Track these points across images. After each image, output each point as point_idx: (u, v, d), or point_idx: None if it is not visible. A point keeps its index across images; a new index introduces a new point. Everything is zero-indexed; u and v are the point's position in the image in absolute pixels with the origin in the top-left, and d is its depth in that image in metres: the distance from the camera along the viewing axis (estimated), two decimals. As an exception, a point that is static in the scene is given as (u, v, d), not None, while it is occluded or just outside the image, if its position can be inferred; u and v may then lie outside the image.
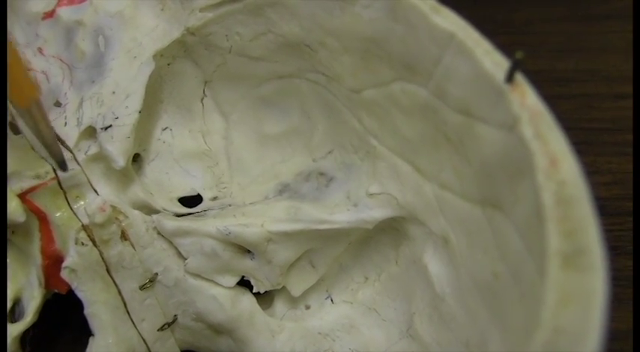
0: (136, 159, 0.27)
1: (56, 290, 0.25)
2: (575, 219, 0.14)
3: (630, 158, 0.33)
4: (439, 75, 0.19)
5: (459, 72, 0.18)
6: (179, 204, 0.27)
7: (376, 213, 0.23)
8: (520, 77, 0.16)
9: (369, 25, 0.20)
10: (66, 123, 0.25)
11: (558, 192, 0.14)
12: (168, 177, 0.27)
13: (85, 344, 0.25)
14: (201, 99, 0.27)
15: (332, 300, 0.26)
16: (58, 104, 0.26)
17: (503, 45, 0.18)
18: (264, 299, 0.26)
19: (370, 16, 0.20)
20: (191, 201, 0.27)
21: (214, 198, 0.27)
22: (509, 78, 0.16)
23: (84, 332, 0.25)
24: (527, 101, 0.16)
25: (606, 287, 0.13)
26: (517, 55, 0.16)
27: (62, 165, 0.24)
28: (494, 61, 0.17)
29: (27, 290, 0.25)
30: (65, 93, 0.26)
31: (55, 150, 0.23)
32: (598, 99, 0.36)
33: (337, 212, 0.24)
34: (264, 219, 0.24)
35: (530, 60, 0.16)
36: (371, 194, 0.23)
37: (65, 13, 0.26)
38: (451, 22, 0.18)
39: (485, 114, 0.17)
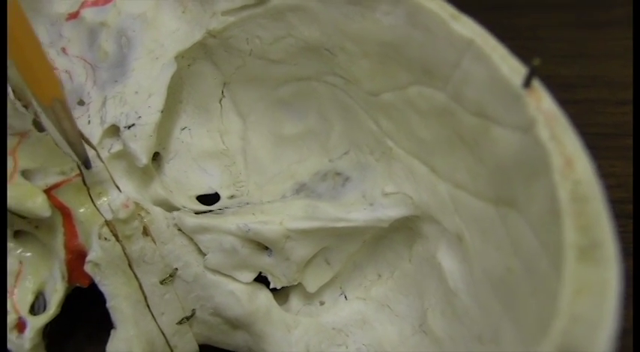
0: (156, 157, 0.27)
1: (78, 284, 0.26)
2: (590, 215, 0.15)
3: (632, 161, 0.34)
4: (457, 79, 0.20)
5: (477, 76, 0.19)
6: (197, 201, 0.27)
7: (391, 211, 0.24)
8: (536, 82, 0.17)
9: (388, 31, 0.21)
10: (89, 122, 0.26)
11: (574, 190, 0.15)
12: (186, 176, 0.28)
13: (100, 339, 0.25)
14: (220, 100, 0.28)
15: (346, 297, 0.27)
16: (81, 103, 0.27)
17: (509, 50, 0.19)
18: (280, 294, 0.27)
19: (390, 23, 0.21)
20: (209, 199, 0.28)
21: (231, 197, 0.28)
22: (527, 83, 0.17)
23: (100, 327, 0.25)
24: (543, 105, 0.17)
25: (620, 278, 0.14)
26: (534, 61, 0.17)
27: (86, 163, 0.24)
28: (510, 66, 0.18)
29: (49, 283, 0.26)
30: (88, 93, 0.27)
31: (78, 148, 0.24)
32: (601, 104, 0.37)
33: (353, 210, 0.24)
34: (283, 216, 0.25)
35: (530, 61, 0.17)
36: (386, 193, 0.24)
37: (89, 14, 0.27)
38: (470, 28, 0.19)
39: (500, 116, 0.18)
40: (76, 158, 0.24)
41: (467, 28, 0.19)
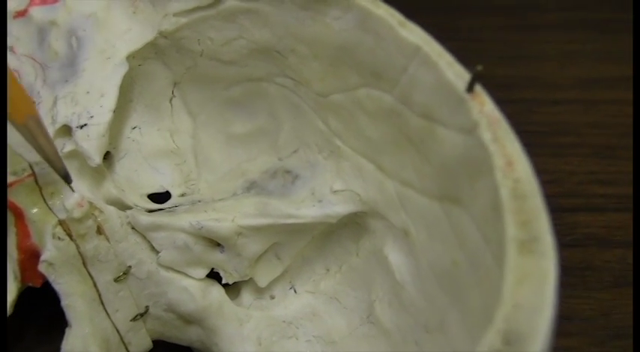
0: (107, 156, 0.28)
1: (30, 284, 0.26)
2: (529, 211, 0.16)
3: (565, 159, 0.36)
4: (404, 83, 0.21)
5: (423, 81, 0.20)
6: (149, 200, 0.28)
7: (339, 208, 0.25)
8: (479, 87, 0.19)
9: (339, 35, 0.22)
10: (40, 121, 0.26)
11: (514, 189, 0.17)
12: (137, 175, 0.28)
13: (52, 338, 0.25)
14: (170, 100, 0.29)
15: (295, 291, 0.27)
16: (30, 102, 0.27)
17: (450, 50, 0.20)
18: (232, 289, 0.27)
19: (341, 27, 0.22)
20: (160, 197, 0.28)
21: (182, 195, 0.28)
22: (470, 88, 0.18)
23: (50, 326, 0.25)
24: (485, 109, 0.18)
25: (557, 269, 0.15)
26: (477, 67, 0.18)
27: (67, 178, 0.24)
28: (455, 72, 0.19)
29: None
30: (38, 92, 0.27)
31: (56, 164, 0.24)
32: (536, 104, 0.39)
33: (303, 207, 0.25)
34: (235, 213, 0.25)
35: (473, 66, 0.19)
36: (335, 191, 0.25)
37: (38, 12, 0.27)
38: (417, 35, 0.20)
39: (446, 119, 0.20)
40: (28, 158, 0.24)
41: (414, 34, 0.20)
